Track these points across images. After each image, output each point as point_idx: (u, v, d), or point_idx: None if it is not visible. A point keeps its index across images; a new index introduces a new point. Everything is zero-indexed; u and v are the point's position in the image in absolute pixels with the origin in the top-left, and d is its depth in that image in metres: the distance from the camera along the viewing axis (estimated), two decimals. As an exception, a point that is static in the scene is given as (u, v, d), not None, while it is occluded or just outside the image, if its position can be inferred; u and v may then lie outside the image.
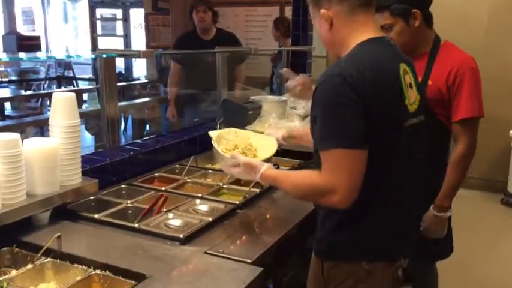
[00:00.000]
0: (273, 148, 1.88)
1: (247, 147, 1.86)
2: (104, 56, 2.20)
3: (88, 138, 4.07)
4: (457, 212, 4.47)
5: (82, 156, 1.83)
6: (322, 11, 1.43)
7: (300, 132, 2.03)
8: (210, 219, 1.76)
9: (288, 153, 2.44)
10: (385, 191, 1.42)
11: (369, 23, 1.45)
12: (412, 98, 1.46)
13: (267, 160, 1.75)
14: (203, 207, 1.93)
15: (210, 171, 2.42)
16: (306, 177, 1.44)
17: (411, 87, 1.46)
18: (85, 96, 6.20)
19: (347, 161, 1.30)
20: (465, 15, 5.11)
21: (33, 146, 1.63)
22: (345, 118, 1.30)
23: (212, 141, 1.78)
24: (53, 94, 1.78)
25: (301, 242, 1.95)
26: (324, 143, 1.33)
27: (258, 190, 2.09)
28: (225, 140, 1.85)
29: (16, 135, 1.55)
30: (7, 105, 6.08)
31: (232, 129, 1.95)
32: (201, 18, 3.94)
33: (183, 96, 4.07)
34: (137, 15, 8.94)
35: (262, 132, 2.45)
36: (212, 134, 1.85)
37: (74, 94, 1.78)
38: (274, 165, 2.26)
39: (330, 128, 1.32)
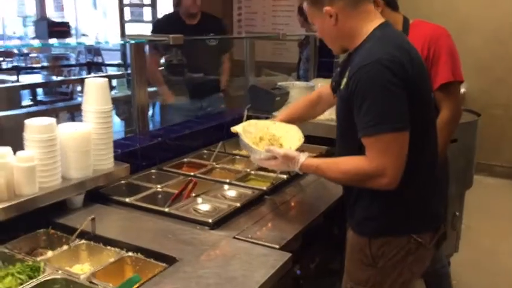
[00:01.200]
0: (298, 135, 1.84)
1: (272, 138, 1.83)
2: (133, 41, 2.22)
3: (117, 123, 4.15)
4: (485, 200, 4.40)
5: (113, 141, 1.87)
6: (326, 8, 1.46)
7: (289, 116, 1.96)
8: (238, 204, 1.78)
9: (312, 139, 2.41)
10: (428, 161, 1.50)
11: (372, 11, 1.51)
12: None
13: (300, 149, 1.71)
14: (231, 192, 1.95)
15: (237, 157, 2.44)
16: (352, 163, 1.46)
17: None
18: (114, 82, 6.30)
19: (396, 144, 1.36)
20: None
21: (68, 131, 1.67)
22: (391, 102, 1.35)
23: (241, 137, 1.75)
24: (86, 80, 1.82)
25: (328, 229, 1.96)
26: (373, 129, 1.36)
27: (285, 177, 2.10)
28: (249, 133, 1.81)
29: (52, 120, 1.60)
30: (39, 90, 6.23)
31: (252, 121, 1.91)
32: (194, 2, 3.36)
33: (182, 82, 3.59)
34: (165, 1, 8.97)
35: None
36: (237, 129, 1.81)
37: (106, 80, 1.81)
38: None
39: (379, 114, 1.35)
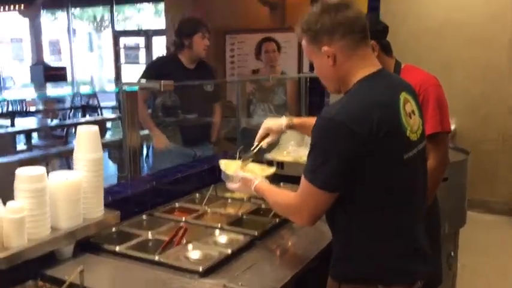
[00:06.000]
0: (271, 171, 2.14)
1: (250, 170, 2.06)
2: (126, 89, 2.26)
3: (112, 167, 4.14)
4: (481, 238, 4.37)
5: (104, 188, 1.87)
6: (325, 48, 1.45)
7: (300, 121, 2.14)
8: (229, 251, 1.77)
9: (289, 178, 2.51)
10: (392, 216, 1.47)
11: (368, 56, 1.50)
12: (415, 125, 1.51)
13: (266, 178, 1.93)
14: (222, 238, 1.94)
15: (229, 200, 2.43)
16: (285, 196, 1.65)
17: (413, 114, 1.51)
18: (109, 123, 6.35)
19: (314, 197, 1.44)
20: (487, 38, 5.08)
21: (58, 180, 1.67)
22: (325, 161, 1.39)
23: (220, 165, 2.06)
24: (78, 128, 1.84)
25: (321, 273, 1.94)
26: (304, 171, 1.45)
27: (277, 220, 2.09)
28: (232, 167, 2.08)
29: (42, 170, 1.60)
30: (34, 134, 6.25)
31: (238, 161, 2.15)
32: (207, 46, 3.39)
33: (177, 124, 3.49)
34: (159, 43, 9.17)
35: (282, 162, 2.66)
36: (221, 161, 2.12)
37: (97, 128, 1.83)
38: None
39: (312, 163, 1.43)
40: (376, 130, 1.35)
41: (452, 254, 2.93)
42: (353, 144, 1.35)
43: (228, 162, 2.13)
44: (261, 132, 2.15)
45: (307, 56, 1.57)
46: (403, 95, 1.49)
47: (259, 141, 2.14)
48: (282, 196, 1.68)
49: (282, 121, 2.11)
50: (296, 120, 2.13)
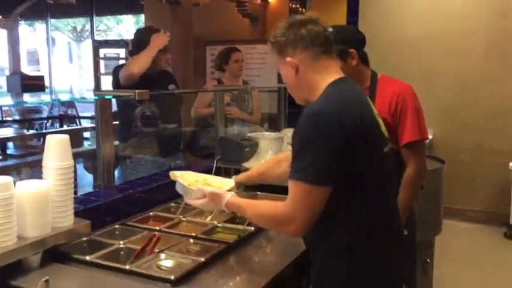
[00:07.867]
0: (231, 184, 1.99)
1: (207, 183, 1.94)
2: (99, 98, 2.24)
3: (89, 177, 4.08)
4: (459, 246, 4.43)
5: (76, 197, 1.84)
6: (288, 59, 1.54)
7: (248, 175, 2.09)
8: (203, 259, 1.75)
9: (273, 188, 2.48)
10: (375, 215, 1.51)
11: (332, 66, 1.57)
12: (383, 125, 1.60)
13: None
14: (196, 246, 1.92)
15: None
16: (270, 207, 1.56)
17: (379, 118, 1.60)
18: (87, 133, 6.28)
19: (309, 196, 1.40)
20: (462, 48, 5.20)
21: (25, 189, 1.63)
22: (316, 155, 1.39)
23: (177, 179, 1.88)
24: (47, 136, 1.81)
25: (295, 281, 1.92)
26: (292, 175, 1.42)
27: (252, 228, 2.08)
28: (186, 179, 1.93)
29: (8, 179, 1.56)
30: (10, 144, 6.13)
31: (191, 172, 2.03)
32: (168, 61, 3.45)
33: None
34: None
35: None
36: (176, 173, 1.92)
37: (67, 136, 1.80)
38: None
39: (300, 162, 1.41)
40: (360, 123, 1.41)
41: (428, 260, 2.95)
42: (341, 134, 1.38)
43: (183, 174, 1.96)
44: None
45: (277, 67, 1.65)
46: (368, 98, 1.61)
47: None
48: (266, 207, 1.58)
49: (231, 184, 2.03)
50: (242, 177, 2.08)
